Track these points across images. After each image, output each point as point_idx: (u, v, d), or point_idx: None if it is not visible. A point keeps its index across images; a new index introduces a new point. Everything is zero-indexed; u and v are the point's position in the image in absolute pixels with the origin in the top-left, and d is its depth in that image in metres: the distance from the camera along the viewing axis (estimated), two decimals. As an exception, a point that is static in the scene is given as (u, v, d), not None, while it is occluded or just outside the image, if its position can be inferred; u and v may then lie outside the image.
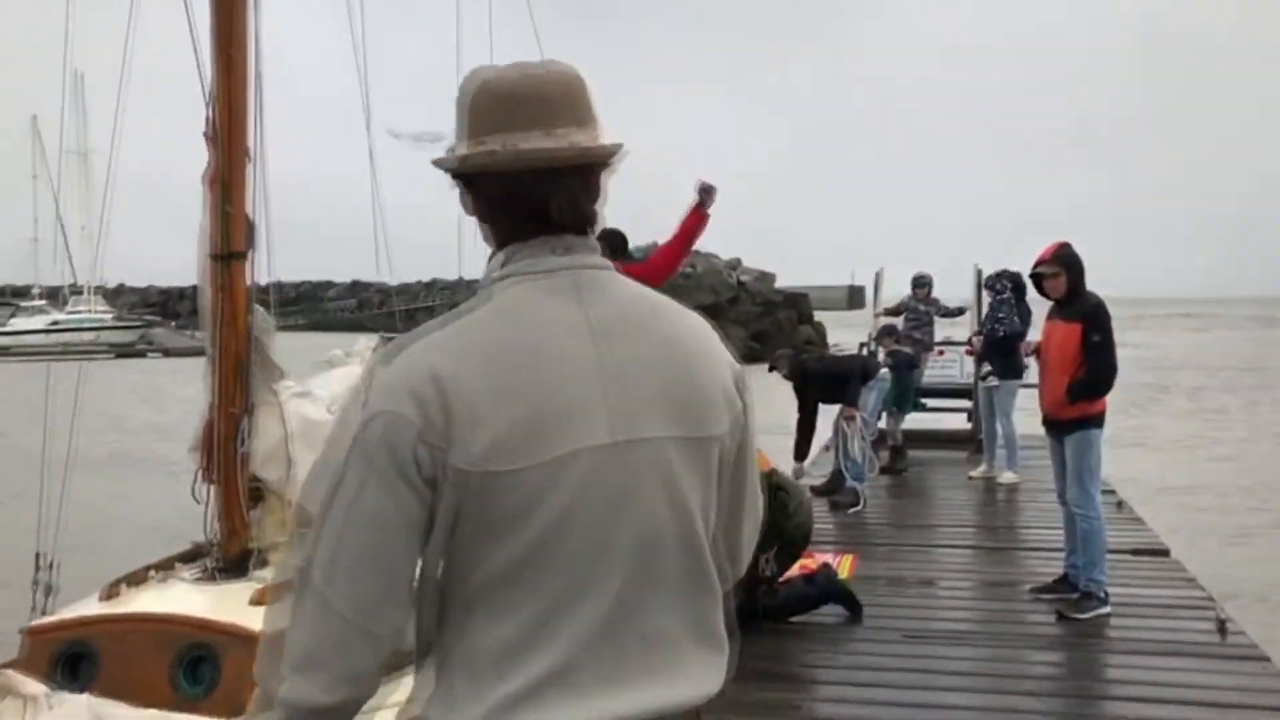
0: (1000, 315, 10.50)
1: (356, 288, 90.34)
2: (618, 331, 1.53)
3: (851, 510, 9.52)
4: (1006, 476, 10.71)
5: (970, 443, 12.34)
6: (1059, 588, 6.66)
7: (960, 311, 13.05)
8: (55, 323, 58.58)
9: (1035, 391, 6.93)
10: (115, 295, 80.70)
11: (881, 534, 8.84)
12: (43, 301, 66.08)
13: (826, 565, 6.72)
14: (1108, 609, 6.32)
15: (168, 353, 54.11)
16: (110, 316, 63.78)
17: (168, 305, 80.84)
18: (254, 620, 4.23)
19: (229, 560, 4.76)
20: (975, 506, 10.10)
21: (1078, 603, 6.37)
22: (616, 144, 1.58)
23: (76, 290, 64.02)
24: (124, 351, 53.75)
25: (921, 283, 12.94)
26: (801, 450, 10.08)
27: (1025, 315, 10.38)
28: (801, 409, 9.92)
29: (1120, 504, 9.46)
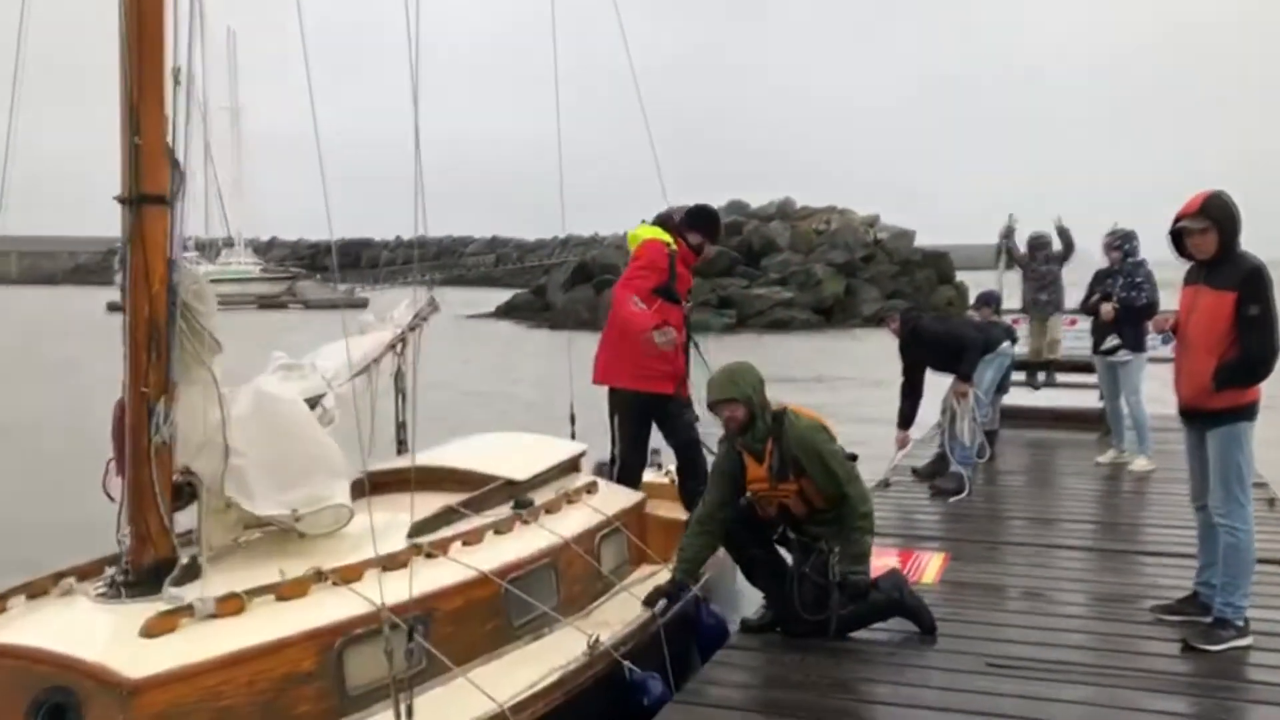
0: (1139, 280, 9.37)
1: (495, 244, 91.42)
2: None
3: (954, 499, 8.48)
4: (1139, 463, 9.57)
5: (1102, 423, 11.14)
6: (1186, 608, 5.52)
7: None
8: (205, 274, 61.09)
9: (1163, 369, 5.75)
10: (267, 249, 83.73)
11: (982, 529, 7.70)
12: (194, 254, 68.52)
13: (895, 570, 5.69)
14: (1248, 640, 5.14)
15: (308, 304, 55.37)
16: (258, 269, 65.99)
17: (315, 259, 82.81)
18: (133, 658, 3.35)
19: (139, 572, 3.98)
20: (1096, 498, 8.83)
21: (1209, 630, 5.20)
22: None
23: (229, 243, 66.44)
24: (267, 303, 55.60)
25: (1040, 243, 12.05)
26: (907, 418, 8.97)
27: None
28: (906, 373, 8.86)
29: (1272, 501, 8.07)
